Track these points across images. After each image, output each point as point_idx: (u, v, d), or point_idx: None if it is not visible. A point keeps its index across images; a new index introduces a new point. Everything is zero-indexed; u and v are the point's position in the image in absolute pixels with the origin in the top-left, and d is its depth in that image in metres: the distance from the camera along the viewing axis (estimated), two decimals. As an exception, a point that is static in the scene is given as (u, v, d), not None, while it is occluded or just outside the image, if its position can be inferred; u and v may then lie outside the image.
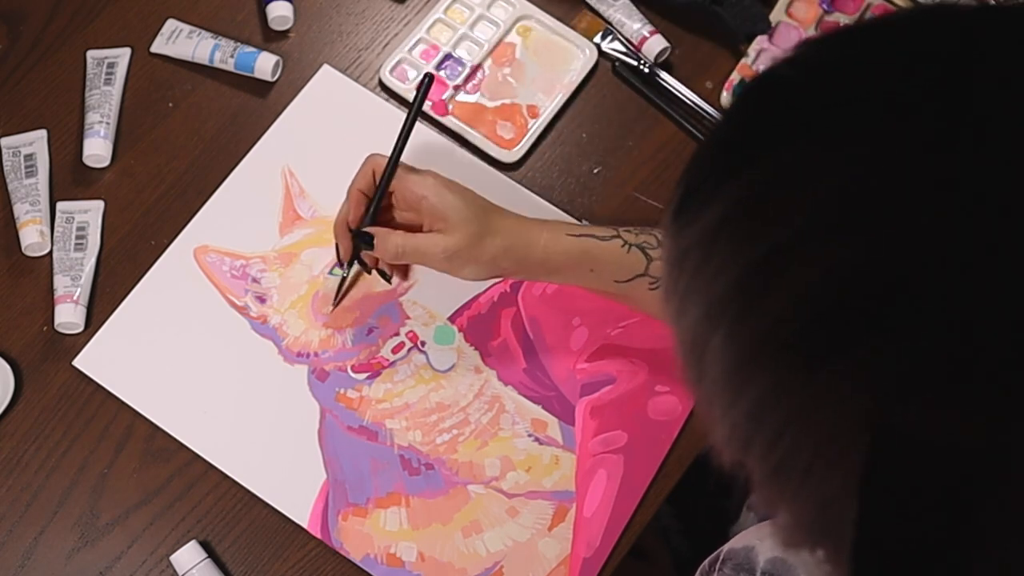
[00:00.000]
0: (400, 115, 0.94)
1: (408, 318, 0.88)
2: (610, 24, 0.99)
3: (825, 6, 1.01)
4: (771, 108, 0.39)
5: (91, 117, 0.91)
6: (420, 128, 0.94)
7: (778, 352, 0.36)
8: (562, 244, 0.80)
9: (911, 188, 0.34)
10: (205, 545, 0.80)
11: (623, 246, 0.80)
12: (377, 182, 0.82)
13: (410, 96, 0.95)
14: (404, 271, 0.89)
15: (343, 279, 0.87)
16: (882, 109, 0.35)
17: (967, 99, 0.34)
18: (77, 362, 0.85)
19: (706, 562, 0.73)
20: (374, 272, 0.88)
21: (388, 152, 0.83)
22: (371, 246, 0.81)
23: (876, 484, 0.34)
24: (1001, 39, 0.36)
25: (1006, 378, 0.32)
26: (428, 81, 0.84)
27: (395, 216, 0.84)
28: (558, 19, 0.99)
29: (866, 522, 0.34)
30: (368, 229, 0.81)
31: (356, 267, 0.86)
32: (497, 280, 0.89)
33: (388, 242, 0.80)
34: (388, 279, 0.86)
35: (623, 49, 0.98)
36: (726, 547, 0.69)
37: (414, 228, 0.82)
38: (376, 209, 0.82)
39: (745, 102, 0.41)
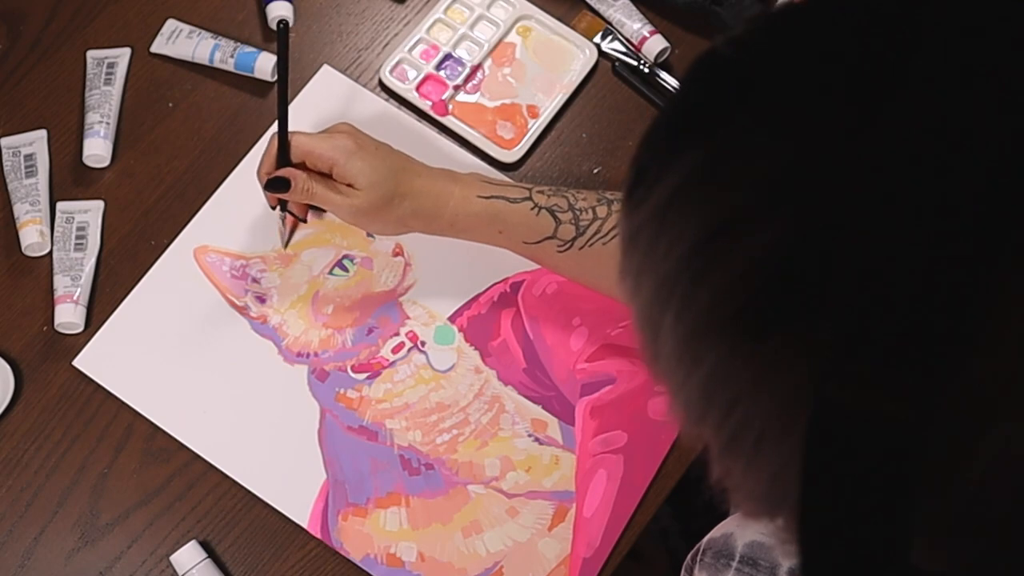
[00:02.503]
0: (401, 115, 0.95)
1: (408, 318, 0.88)
2: (610, 24, 0.99)
3: (825, 6, 1.01)
4: (714, 90, 0.40)
5: (91, 117, 0.91)
6: (420, 128, 0.94)
7: (724, 326, 0.37)
8: (472, 207, 0.82)
9: (839, 169, 0.35)
10: (205, 545, 0.81)
11: (532, 208, 0.81)
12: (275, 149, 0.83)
13: (411, 96, 0.95)
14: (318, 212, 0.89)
15: (282, 223, 0.88)
16: (815, 93, 0.36)
17: (894, 84, 0.35)
18: (77, 362, 0.85)
19: (688, 557, 0.73)
20: (375, 271, 0.88)
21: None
22: (287, 188, 0.81)
23: (816, 456, 0.35)
24: (938, 24, 0.36)
25: (920, 353, 0.34)
26: (285, 27, 0.86)
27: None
28: (558, 19, 0.99)
29: (810, 493, 0.35)
30: (280, 173, 0.81)
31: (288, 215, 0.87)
32: (497, 280, 0.90)
33: (299, 181, 0.81)
34: (301, 219, 0.87)
35: (623, 49, 0.98)
36: (706, 538, 0.70)
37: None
38: (283, 158, 0.82)
39: (690, 83, 0.42)
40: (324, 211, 0.88)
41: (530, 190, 0.82)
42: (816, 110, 0.36)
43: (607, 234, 0.81)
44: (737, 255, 0.36)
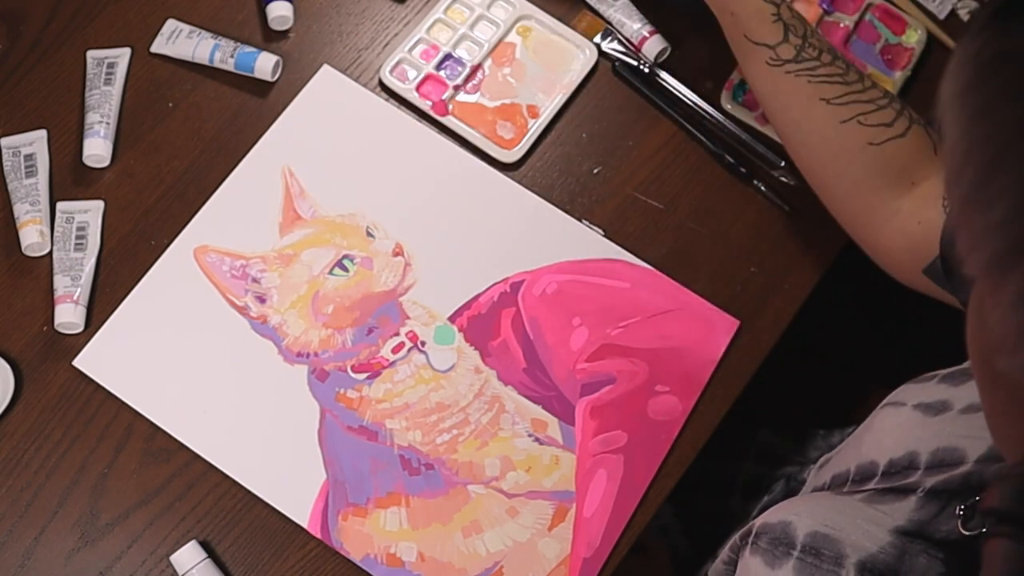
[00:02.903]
0: (401, 115, 0.95)
1: (408, 318, 0.88)
2: (610, 24, 0.99)
3: (825, 6, 1.01)
4: None
5: (91, 117, 0.91)
6: (420, 128, 0.94)
7: None
8: None
9: None
10: (205, 545, 0.81)
11: (774, 13, 0.83)
12: None
13: (411, 96, 0.95)
14: None
15: None
16: None
17: None
18: (77, 362, 0.85)
19: (736, 536, 0.72)
20: (375, 271, 0.88)
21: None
22: None
23: None
24: None
25: None
26: None
27: None
28: (558, 19, 0.99)
29: None
30: None
31: None
32: (497, 280, 0.90)
33: None
34: None
35: (623, 49, 0.98)
36: (758, 521, 0.69)
37: None
38: None
39: None
40: None
41: (783, 2, 0.84)
42: None
43: (818, 76, 0.81)
44: None
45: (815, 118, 0.82)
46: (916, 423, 0.70)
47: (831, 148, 0.81)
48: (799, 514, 0.66)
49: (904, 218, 0.79)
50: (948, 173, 0.43)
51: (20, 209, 0.88)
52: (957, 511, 0.61)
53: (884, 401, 0.74)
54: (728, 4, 0.84)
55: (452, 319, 0.88)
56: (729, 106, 0.97)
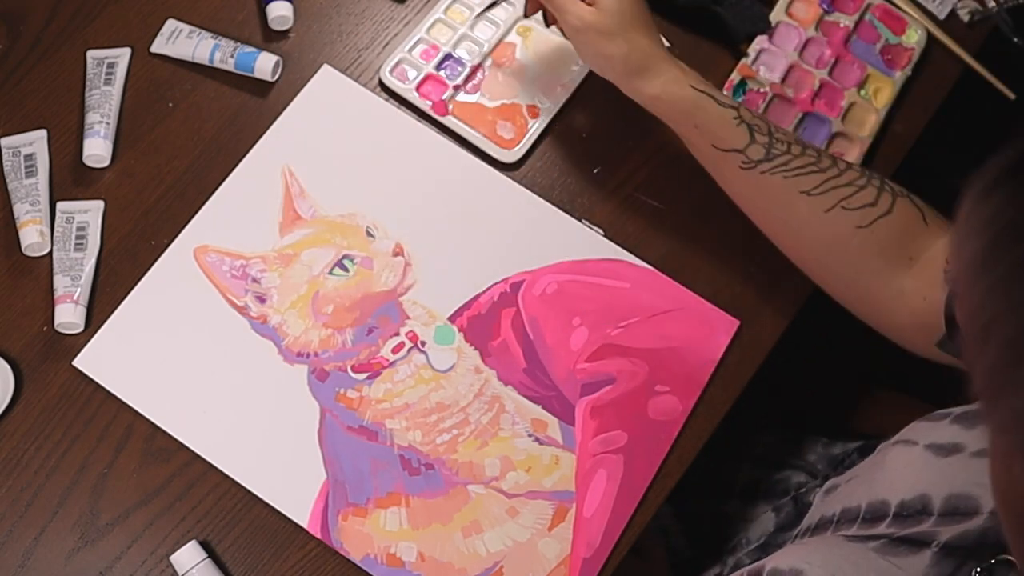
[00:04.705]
0: (401, 115, 0.95)
1: (408, 318, 0.88)
2: (610, 24, 0.99)
3: (825, 6, 1.01)
4: None
5: (91, 117, 0.91)
6: (420, 128, 0.94)
7: None
8: (682, 90, 0.83)
9: None
10: (205, 545, 0.80)
11: (736, 118, 0.82)
12: None
13: (411, 96, 0.95)
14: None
15: None
16: None
17: None
18: (77, 362, 0.85)
19: (744, 572, 0.71)
20: (375, 271, 0.88)
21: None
22: None
23: None
24: None
25: None
26: None
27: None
28: (558, 19, 0.99)
29: None
30: None
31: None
32: (497, 280, 0.90)
33: None
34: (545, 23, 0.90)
35: (623, 49, 0.98)
36: (768, 565, 0.68)
37: None
38: None
39: None
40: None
41: (738, 104, 0.83)
42: None
43: (793, 170, 0.81)
44: None
45: (799, 213, 0.81)
46: (928, 464, 0.68)
47: (823, 239, 0.81)
48: (811, 562, 0.65)
49: (909, 297, 0.78)
50: (967, 343, 0.41)
51: (20, 209, 0.88)
52: (974, 573, 0.61)
53: (895, 438, 0.73)
54: (690, 118, 0.83)
55: (452, 319, 0.88)
56: (729, 106, 0.97)
